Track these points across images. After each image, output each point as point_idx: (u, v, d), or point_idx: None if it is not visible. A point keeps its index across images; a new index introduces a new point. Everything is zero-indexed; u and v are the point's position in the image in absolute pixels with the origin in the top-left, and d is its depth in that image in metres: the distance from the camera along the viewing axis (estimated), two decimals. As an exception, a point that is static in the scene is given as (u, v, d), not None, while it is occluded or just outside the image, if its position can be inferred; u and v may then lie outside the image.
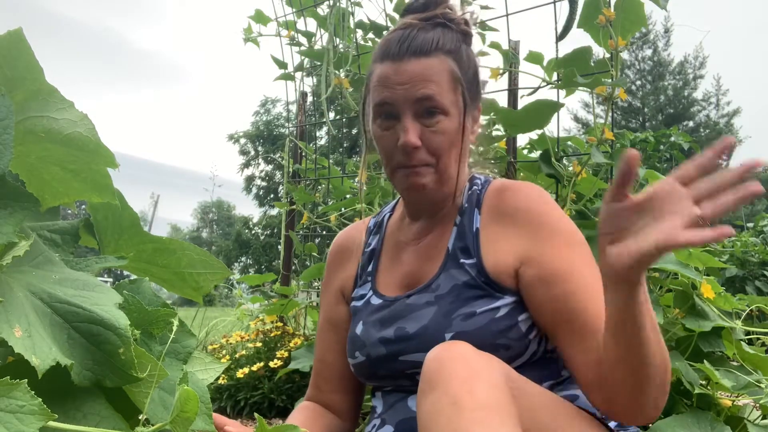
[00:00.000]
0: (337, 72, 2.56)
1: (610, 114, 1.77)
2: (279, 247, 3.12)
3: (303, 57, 2.80)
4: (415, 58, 1.05)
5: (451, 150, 1.07)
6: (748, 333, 1.64)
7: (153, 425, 0.65)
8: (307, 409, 1.21)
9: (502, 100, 1.99)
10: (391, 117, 1.06)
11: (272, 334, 2.85)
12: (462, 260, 1.06)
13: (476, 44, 1.17)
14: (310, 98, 3.11)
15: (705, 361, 1.41)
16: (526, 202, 1.05)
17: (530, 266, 1.00)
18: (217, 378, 1.37)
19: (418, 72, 1.04)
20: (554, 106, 1.77)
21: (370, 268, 1.20)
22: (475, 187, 1.13)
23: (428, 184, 1.07)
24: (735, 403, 1.47)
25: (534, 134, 1.99)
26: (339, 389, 1.22)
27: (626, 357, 0.84)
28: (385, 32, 2.55)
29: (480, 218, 1.09)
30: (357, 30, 2.63)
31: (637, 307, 0.80)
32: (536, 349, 1.02)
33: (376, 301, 1.14)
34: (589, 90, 1.74)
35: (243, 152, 31.70)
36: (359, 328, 1.13)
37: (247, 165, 31.75)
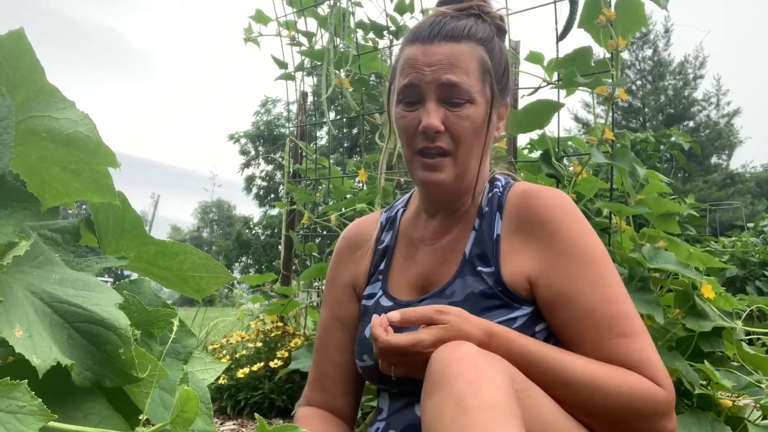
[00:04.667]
0: (337, 72, 2.56)
1: (610, 114, 1.76)
2: (279, 247, 3.12)
3: (303, 57, 2.80)
4: (445, 41, 1.04)
5: (474, 139, 1.05)
6: (748, 333, 1.64)
7: (153, 425, 0.65)
8: (318, 419, 1.15)
9: (503, 100, 1.99)
10: (415, 100, 1.05)
11: (272, 334, 2.85)
12: (479, 268, 1.03)
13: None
14: (310, 98, 3.11)
15: (705, 361, 1.41)
16: (547, 213, 1.02)
17: (541, 283, 0.99)
18: (218, 378, 1.37)
19: (447, 55, 1.03)
20: (554, 106, 1.77)
21: (382, 267, 1.17)
22: (496, 189, 1.11)
23: (446, 180, 1.04)
24: (735, 403, 1.47)
25: (534, 134, 1.99)
26: (348, 392, 1.18)
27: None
28: (385, 32, 2.55)
29: (501, 225, 1.06)
30: (357, 30, 2.63)
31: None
32: None
33: (386, 302, 1.12)
34: (589, 90, 1.74)
35: (243, 152, 31.70)
36: (368, 331, 1.09)
37: (247, 165, 31.74)
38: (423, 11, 2.44)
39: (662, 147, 7.09)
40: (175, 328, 0.75)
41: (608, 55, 1.73)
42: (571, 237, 1.00)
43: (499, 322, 0.98)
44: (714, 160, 30.17)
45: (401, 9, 2.49)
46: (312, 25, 2.77)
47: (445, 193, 1.08)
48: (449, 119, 1.02)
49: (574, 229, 1.01)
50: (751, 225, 7.88)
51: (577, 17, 1.80)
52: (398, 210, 1.23)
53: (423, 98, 1.04)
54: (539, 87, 1.85)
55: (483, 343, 0.90)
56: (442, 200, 1.11)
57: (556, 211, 1.02)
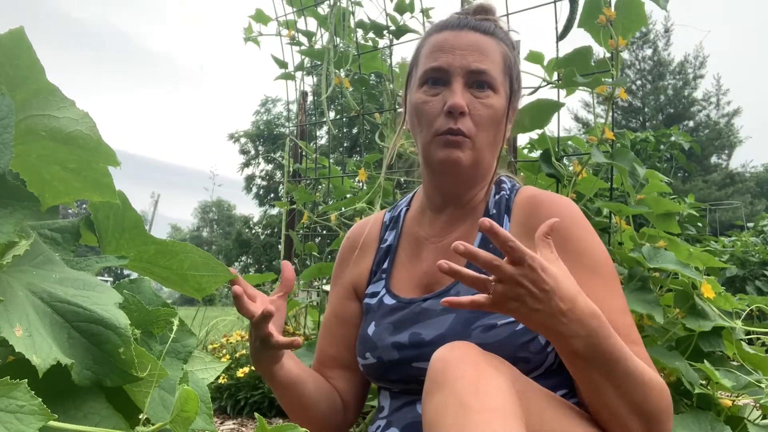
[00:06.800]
0: (337, 71, 2.56)
1: (610, 114, 1.76)
2: (279, 246, 3.12)
3: (303, 56, 2.80)
4: (474, 31, 1.07)
5: (492, 128, 1.06)
6: (748, 333, 1.64)
7: (153, 425, 0.65)
8: (316, 374, 1.18)
9: (503, 100, 1.99)
10: (440, 83, 1.06)
11: (272, 334, 2.85)
12: None
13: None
14: (310, 98, 3.11)
15: (705, 360, 1.41)
16: (558, 222, 1.02)
17: None
18: (218, 377, 1.37)
19: (477, 43, 1.06)
20: (555, 106, 1.76)
21: (385, 265, 1.17)
22: (503, 192, 1.11)
23: (465, 161, 1.04)
24: (735, 403, 1.47)
25: (534, 134, 1.99)
26: (341, 379, 1.19)
27: (590, 399, 0.90)
28: (385, 32, 2.55)
29: (509, 226, 1.06)
30: (357, 29, 2.63)
31: (568, 357, 0.86)
32: (553, 361, 1.00)
33: (389, 301, 1.11)
34: (589, 90, 1.74)
35: (243, 151, 31.72)
36: (371, 329, 1.11)
37: (247, 164, 31.76)
38: (423, 11, 2.44)
39: (662, 147, 7.09)
40: (175, 328, 0.75)
41: (608, 55, 1.73)
42: (582, 247, 1.01)
43: (503, 324, 0.98)
44: (714, 159, 30.20)
45: (401, 9, 2.48)
46: (312, 24, 2.77)
47: (459, 178, 1.08)
48: (473, 104, 1.04)
49: (585, 239, 1.02)
50: (750, 225, 7.88)
51: (577, 17, 1.80)
52: (401, 209, 1.23)
53: (449, 81, 1.05)
54: (539, 87, 1.85)
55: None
56: (455, 189, 1.10)
57: (567, 220, 1.02)
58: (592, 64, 1.75)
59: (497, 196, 1.10)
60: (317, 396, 1.13)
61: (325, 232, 2.89)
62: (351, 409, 1.20)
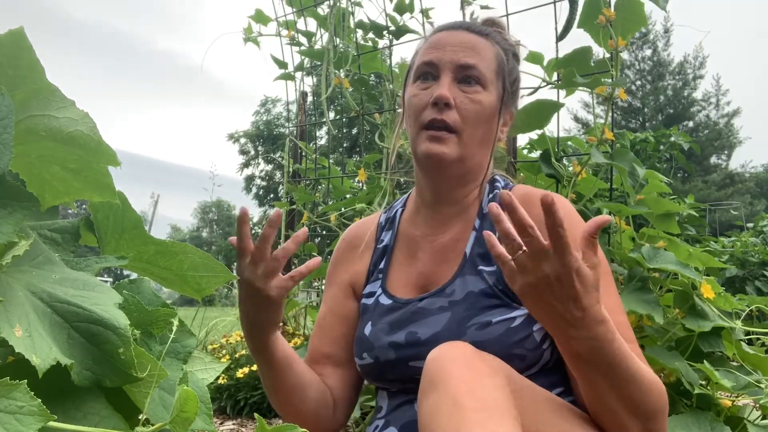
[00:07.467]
0: (337, 72, 2.56)
1: (610, 114, 1.76)
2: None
3: (303, 57, 2.79)
4: (469, 32, 1.11)
5: (481, 124, 1.07)
6: (747, 333, 1.64)
7: (153, 425, 0.65)
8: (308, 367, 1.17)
9: (503, 100, 1.99)
10: (431, 77, 1.09)
11: (272, 334, 2.84)
12: (481, 267, 1.03)
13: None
14: (310, 98, 3.10)
15: (705, 361, 1.41)
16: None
17: None
18: (217, 378, 1.37)
19: (470, 41, 1.09)
20: (554, 106, 1.76)
21: (382, 265, 1.17)
22: (497, 190, 1.11)
23: (448, 155, 1.05)
24: (735, 403, 1.47)
25: (534, 134, 1.99)
26: (334, 376, 1.18)
27: (588, 398, 0.90)
28: (385, 32, 2.55)
29: None
30: (357, 30, 2.63)
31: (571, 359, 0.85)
32: (549, 358, 1.00)
33: (386, 301, 1.12)
34: (589, 90, 1.74)
35: (243, 152, 31.75)
36: (368, 329, 1.11)
37: (247, 164, 31.78)
38: (423, 11, 2.43)
39: (662, 147, 7.10)
40: (174, 328, 0.75)
41: (608, 55, 1.73)
42: None
43: (498, 321, 0.98)
44: (713, 160, 30.22)
45: (401, 9, 2.48)
46: (312, 24, 2.76)
47: (445, 173, 1.08)
48: (460, 98, 1.06)
49: None
50: (750, 225, 7.88)
51: (577, 17, 1.80)
52: (397, 210, 1.23)
53: (439, 75, 1.07)
54: (539, 87, 1.85)
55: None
56: (443, 185, 1.11)
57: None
58: (592, 64, 1.75)
59: (491, 195, 1.11)
60: (306, 381, 1.11)
61: (324, 232, 2.89)
62: (341, 409, 1.18)
